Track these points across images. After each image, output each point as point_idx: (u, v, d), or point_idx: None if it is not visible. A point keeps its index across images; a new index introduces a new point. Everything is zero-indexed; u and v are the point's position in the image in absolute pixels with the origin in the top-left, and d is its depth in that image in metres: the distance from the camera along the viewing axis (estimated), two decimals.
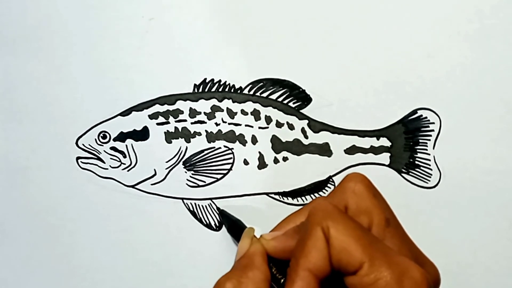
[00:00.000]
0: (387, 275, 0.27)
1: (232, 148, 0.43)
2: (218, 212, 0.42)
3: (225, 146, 0.43)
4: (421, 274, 0.27)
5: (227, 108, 0.43)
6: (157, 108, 0.43)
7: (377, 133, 0.43)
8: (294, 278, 0.28)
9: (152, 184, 0.44)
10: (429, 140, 0.43)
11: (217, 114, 0.43)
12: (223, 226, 0.43)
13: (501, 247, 0.42)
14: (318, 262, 0.28)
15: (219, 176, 0.43)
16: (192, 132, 0.43)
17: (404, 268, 0.27)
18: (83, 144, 0.44)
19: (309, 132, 0.43)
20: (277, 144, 0.43)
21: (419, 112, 0.43)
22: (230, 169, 0.43)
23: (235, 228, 0.40)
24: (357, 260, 0.27)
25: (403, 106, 0.43)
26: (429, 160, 0.43)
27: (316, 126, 0.43)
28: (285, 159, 0.43)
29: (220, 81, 0.43)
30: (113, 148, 0.44)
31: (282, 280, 0.32)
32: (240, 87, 0.43)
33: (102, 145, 0.44)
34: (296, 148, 0.43)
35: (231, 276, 0.31)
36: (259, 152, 0.43)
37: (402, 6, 0.43)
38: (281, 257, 0.32)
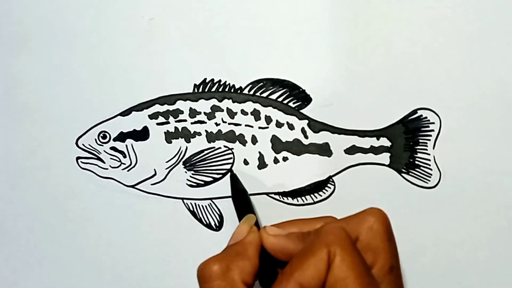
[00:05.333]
0: None
1: (232, 148, 0.43)
2: (231, 184, 0.42)
3: (225, 146, 0.43)
4: None
5: (227, 108, 0.43)
6: (157, 108, 0.43)
7: (377, 133, 0.43)
8: (284, 286, 0.28)
9: (152, 184, 0.44)
10: (429, 140, 0.43)
11: (217, 114, 0.43)
12: (223, 226, 0.43)
13: (501, 247, 0.43)
14: (312, 281, 0.28)
15: (219, 176, 0.43)
16: (192, 132, 0.43)
17: None
18: (83, 144, 0.44)
19: (309, 132, 0.43)
20: (277, 144, 0.43)
21: (419, 112, 0.43)
22: (230, 169, 0.43)
23: (239, 198, 0.40)
24: None
25: (403, 106, 0.43)
26: (429, 160, 0.43)
27: (316, 126, 0.43)
28: (285, 159, 0.43)
29: (220, 81, 0.43)
30: (113, 148, 0.44)
31: (268, 278, 0.32)
32: (240, 87, 0.43)
33: (102, 145, 0.44)
34: (296, 148, 0.43)
35: (221, 259, 0.31)
36: (259, 152, 0.43)
37: (402, 6, 0.43)
38: (274, 255, 0.32)
